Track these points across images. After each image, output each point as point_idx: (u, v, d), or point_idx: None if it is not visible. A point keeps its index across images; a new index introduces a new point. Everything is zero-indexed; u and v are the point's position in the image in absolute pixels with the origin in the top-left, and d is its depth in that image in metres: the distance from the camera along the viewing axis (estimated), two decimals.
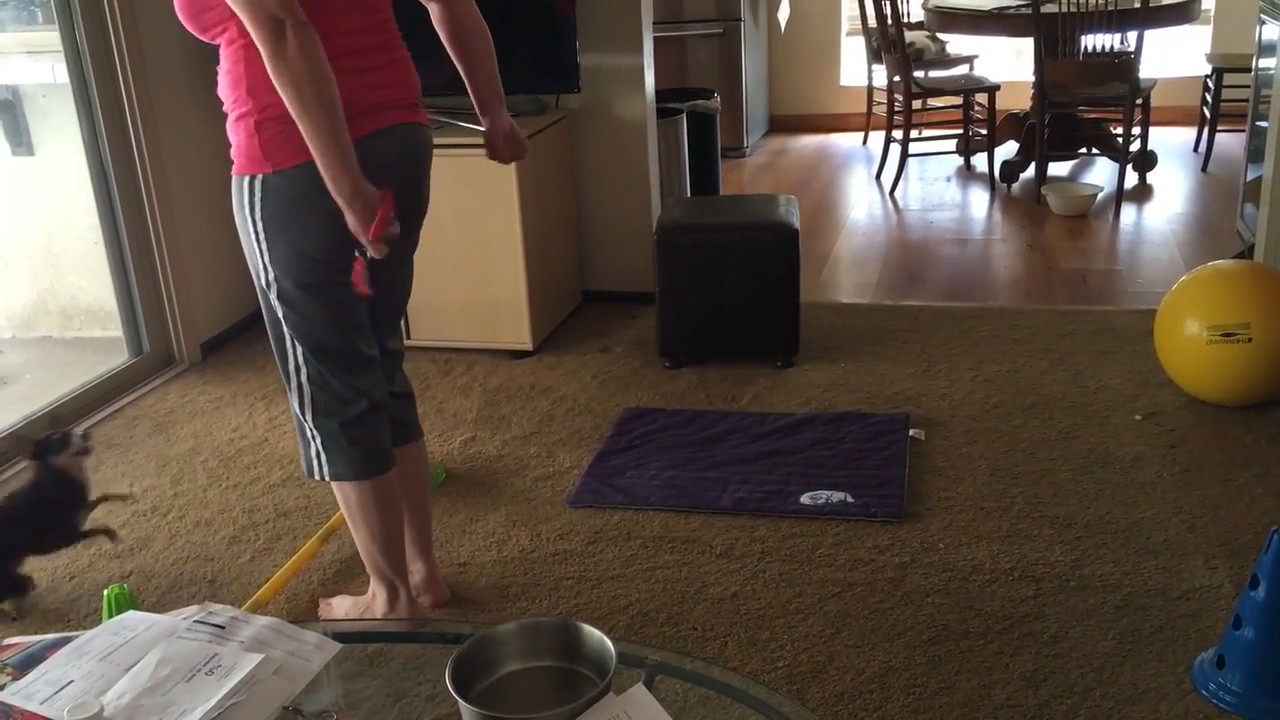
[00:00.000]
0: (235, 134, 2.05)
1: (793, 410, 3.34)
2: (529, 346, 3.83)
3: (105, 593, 2.43)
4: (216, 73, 2.08)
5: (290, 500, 3.00)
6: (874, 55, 6.28)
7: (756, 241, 3.61)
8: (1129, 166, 5.42)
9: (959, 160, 6.17)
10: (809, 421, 3.24)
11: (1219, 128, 5.75)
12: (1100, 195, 5.32)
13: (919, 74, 5.79)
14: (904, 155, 5.76)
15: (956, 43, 6.49)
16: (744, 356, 3.69)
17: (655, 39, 4.18)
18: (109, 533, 2.69)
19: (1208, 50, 6.25)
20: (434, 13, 2.23)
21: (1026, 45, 5.18)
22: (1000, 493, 2.84)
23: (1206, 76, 5.80)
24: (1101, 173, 5.80)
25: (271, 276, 2.10)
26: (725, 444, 3.15)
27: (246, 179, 2.04)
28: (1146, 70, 5.18)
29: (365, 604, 2.43)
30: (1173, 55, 6.59)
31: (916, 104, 5.70)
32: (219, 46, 2.05)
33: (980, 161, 5.98)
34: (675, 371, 3.67)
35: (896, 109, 5.78)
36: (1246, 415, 3.14)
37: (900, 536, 2.67)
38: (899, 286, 4.44)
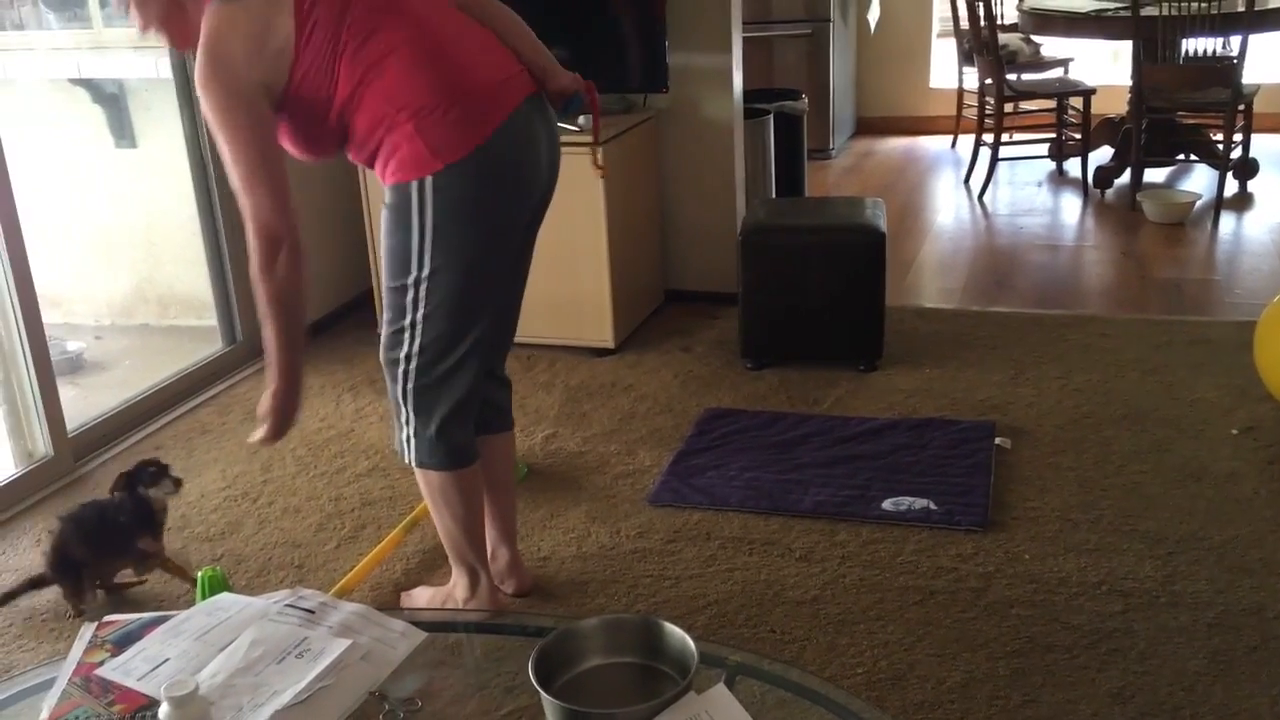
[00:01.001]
0: (393, 150, 2.04)
1: (876, 415, 3.30)
2: (611, 344, 3.85)
3: (199, 574, 2.50)
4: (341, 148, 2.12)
5: (375, 490, 3.06)
6: (965, 57, 6.18)
7: (842, 244, 3.58)
8: (1229, 174, 5.26)
9: (1051, 165, 6.05)
10: (892, 427, 3.21)
11: None
12: (1199, 203, 5.17)
13: (1011, 76, 5.69)
14: (994, 159, 5.67)
15: (1051, 45, 6.36)
16: (826, 359, 3.66)
17: (744, 39, 4.17)
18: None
19: None
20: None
21: (1124, 48, 5.07)
22: (1089, 505, 2.78)
23: None
24: (1200, 180, 5.64)
25: (429, 270, 2.09)
26: (806, 447, 3.13)
27: (415, 183, 2.03)
28: (1250, 75, 5.02)
29: (446, 593, 2.46)
30: (1279, 60, 6.38)
31: (1008, 107, 5.60)
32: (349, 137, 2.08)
33: (1073, 167, 5.85)
34: (757, 373, 3.65)
35: (987, 112, 5.68)
36: None
37: (984, 546, 2.63)
38: (986, 292, 4.36)
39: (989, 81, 5.56)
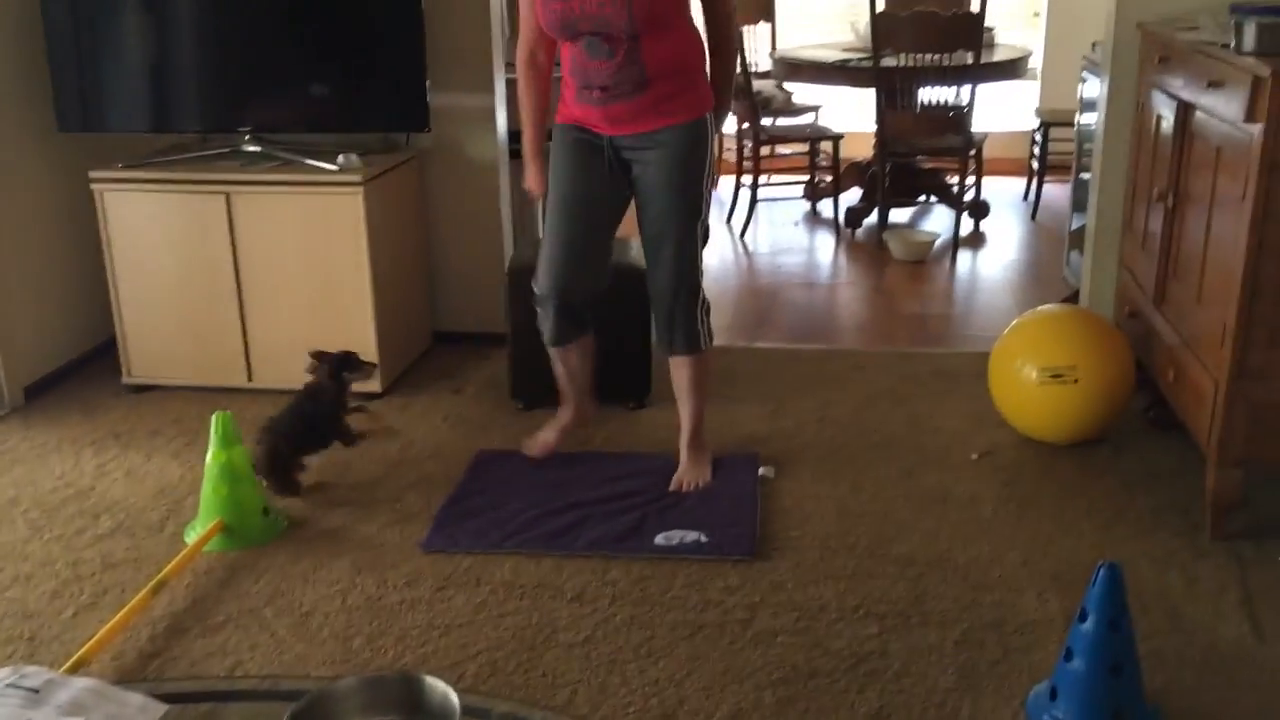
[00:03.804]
0: (694, 87, 2.86)
1: (645, 451, 3.34)
2: (377, 388, 3.75)
3: None
4: (589, 63, 2.76)
5: (119, 551, 2.85)
6: None
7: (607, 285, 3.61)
8: (964, 214, 5.66)
9: (806, 205, 6.34)
10: (662, 462, 3.26)
11: (1046, 179, 6.07)
12: (938, 241, 5.53)
13: (766, 121, 5.94)
14: (753, 200, 5.89)
15: (802, 92, 6.68)
16: (596, 398, 3.68)
17: (509, 80, 4.17)
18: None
19: (1036, 105, 6.59)
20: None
21: (869, 96, 5.38)
22: (846, 531, 2.90)
23: (1034, 130, 6.12)
24: (940, 220, 6.03)
25: (710, 193, 2.92)
26: (578, 486, 3.13)
27: (708, 115, 2.88)
28: (979, 124, 5.43)
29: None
30: (1004, 110, 6.93)
31: (765, 150, 5.85)
32: (636, 39, 2.72)
33: (826, 207, 6.15)
34: (528, 413, 3.64)
35: (746, 155, 5.91)
36: (1075, 453, 3.29)
37: (750, 576, 2.70)
38: (749, 329, 4.52)
39: (745, 126, 5.79)
